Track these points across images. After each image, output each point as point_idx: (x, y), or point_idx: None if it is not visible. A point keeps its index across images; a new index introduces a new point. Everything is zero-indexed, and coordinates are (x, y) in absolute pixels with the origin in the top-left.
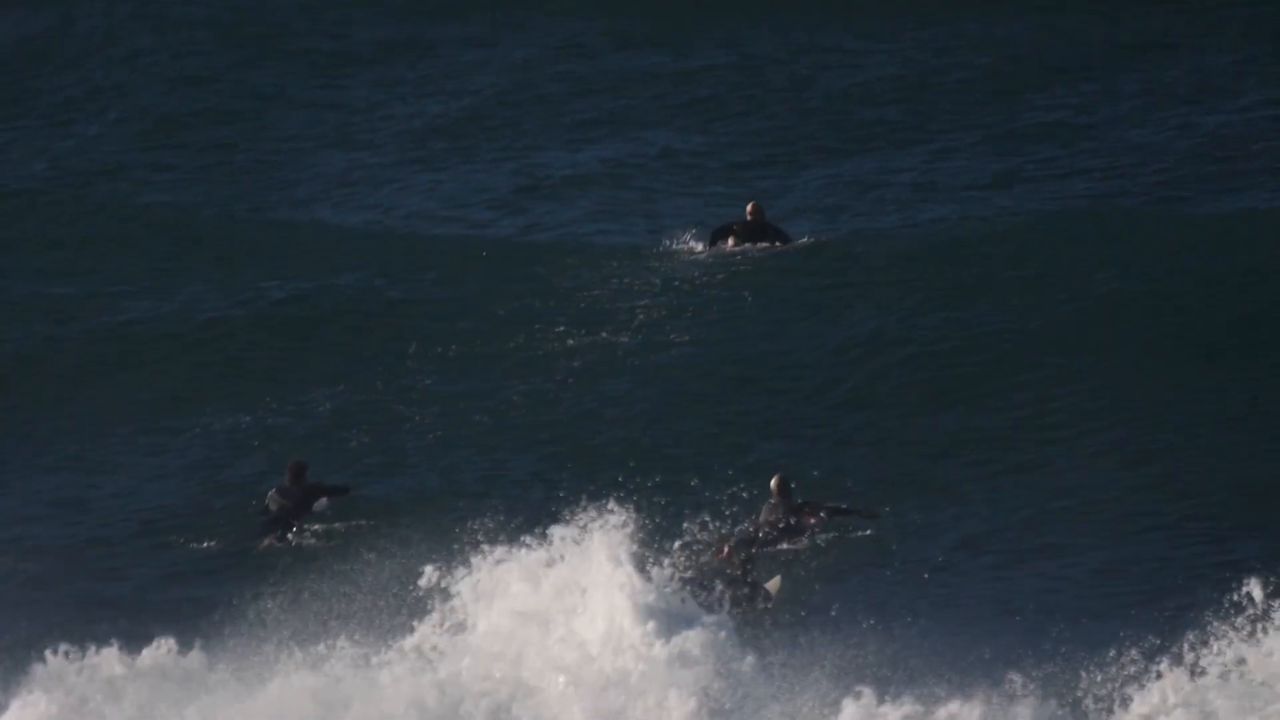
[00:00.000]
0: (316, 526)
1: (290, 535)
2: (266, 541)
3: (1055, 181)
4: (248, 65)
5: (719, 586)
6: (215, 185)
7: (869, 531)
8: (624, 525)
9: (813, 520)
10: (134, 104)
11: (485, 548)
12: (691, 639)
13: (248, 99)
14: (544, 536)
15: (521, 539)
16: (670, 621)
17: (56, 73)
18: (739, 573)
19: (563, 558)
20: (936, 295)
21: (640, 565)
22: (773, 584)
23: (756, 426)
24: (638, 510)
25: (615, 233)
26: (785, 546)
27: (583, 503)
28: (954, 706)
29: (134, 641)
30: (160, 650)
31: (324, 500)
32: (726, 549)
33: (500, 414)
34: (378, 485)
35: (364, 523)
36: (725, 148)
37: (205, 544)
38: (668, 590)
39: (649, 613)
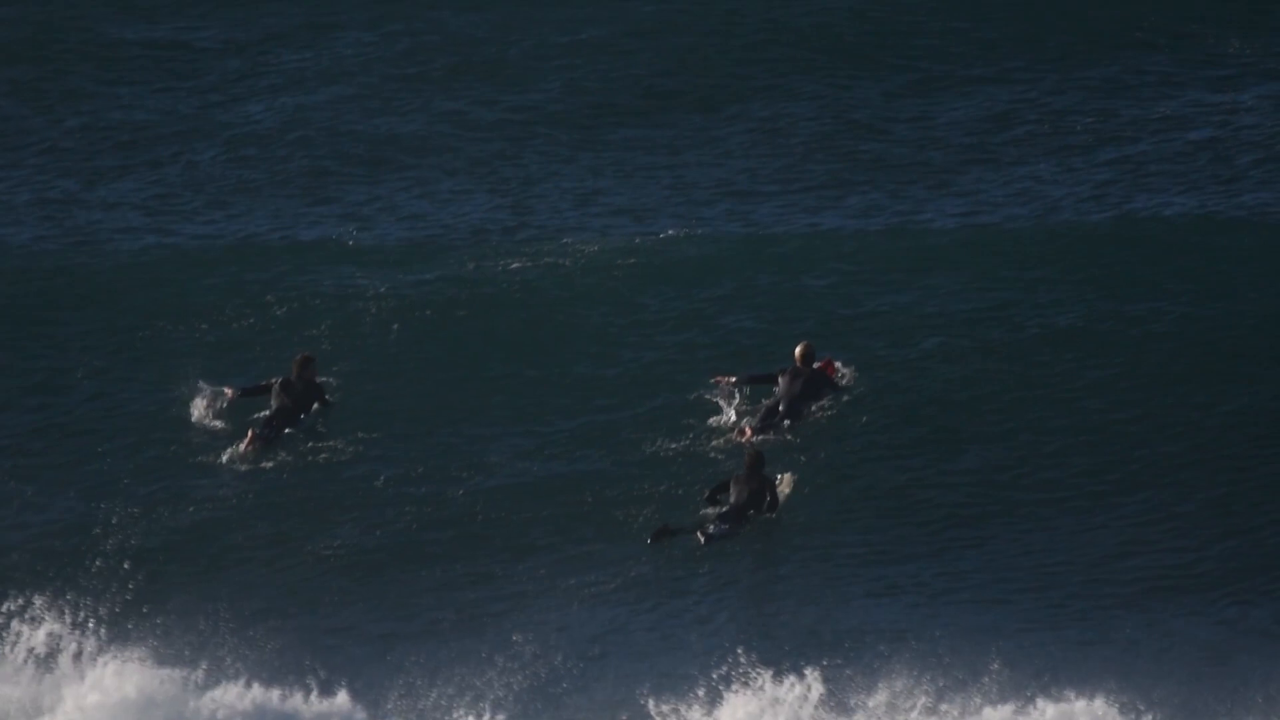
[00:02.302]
0: (312, 426)
1: (285, 432)
2: (250, 440)
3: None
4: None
5: (730, 488)
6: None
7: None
8: None
9: (833, 371)
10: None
11: None
12: None
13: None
14: None
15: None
16: None
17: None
18: (752, 464)
19: None
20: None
21: None
22: (785, 480)
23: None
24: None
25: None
26: (809, 413)
27: None
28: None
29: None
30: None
31: (317, 405)
32: (748, 428)
33: (474, 323)
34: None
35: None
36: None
37: (199, 456)
38: None
39: None
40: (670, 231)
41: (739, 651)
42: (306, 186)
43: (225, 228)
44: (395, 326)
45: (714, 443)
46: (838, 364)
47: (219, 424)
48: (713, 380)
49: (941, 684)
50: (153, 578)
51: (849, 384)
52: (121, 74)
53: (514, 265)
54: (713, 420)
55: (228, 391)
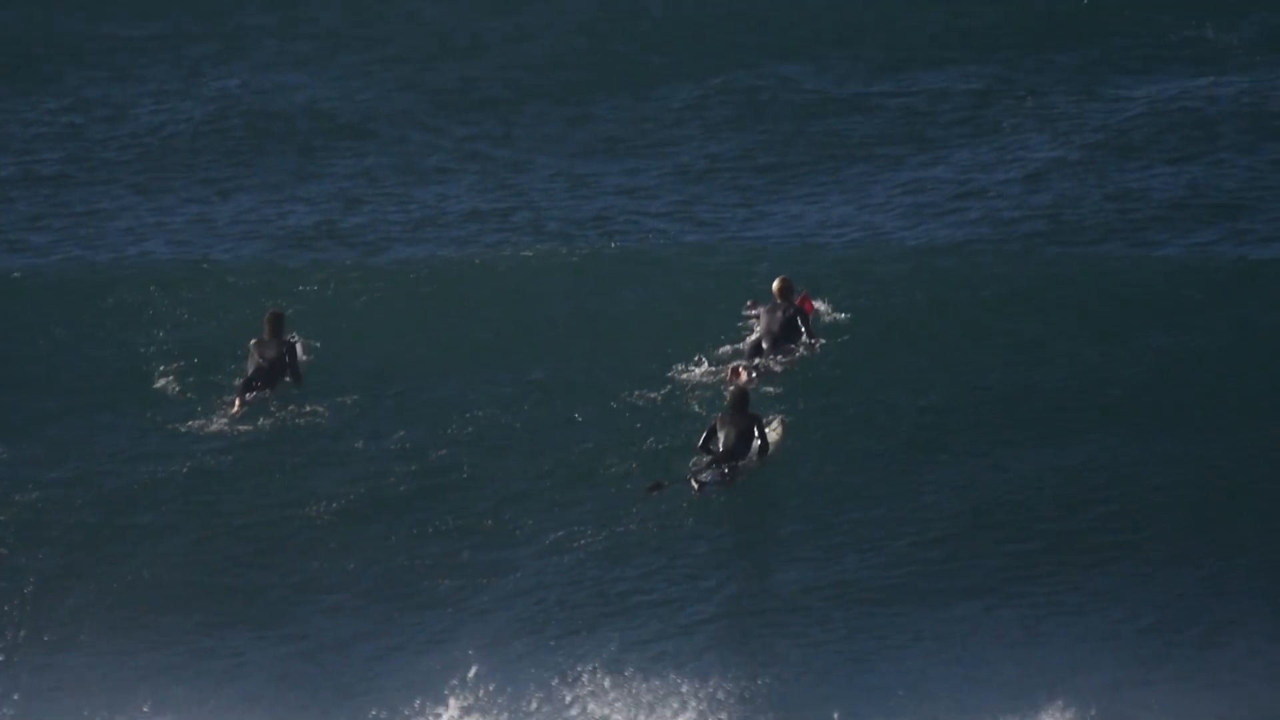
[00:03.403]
0: (292, 388)
1: (266, 393)
2: (238, 406)
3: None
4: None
5: (719, 431)
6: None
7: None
8: None
9: (810, 307)
10: None
11: None
12: None
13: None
14: None
15: None
16: None
17: None
18: (738, 401)
19: None
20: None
21: None
22: (775, 425)
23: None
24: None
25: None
26: (791, 348)
27: None
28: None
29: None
30: None
31: (301, 353)
32: (742, 369)
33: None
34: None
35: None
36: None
37: (176, 423)
38: None
39: None
40: (646, 203)
41: (728, 613)
42: (287, 165)
43: (210, 208)
44: (363, 299)
45: (696, 393)
46: (815, 302)
47: (187, 391)
48: (748, 306)
49: (927, 668)
50: (132, 540)
51: (827, 322)
52: (97, 62)
53: (489, 238)
54: (695, 371)
55: (237, 405)
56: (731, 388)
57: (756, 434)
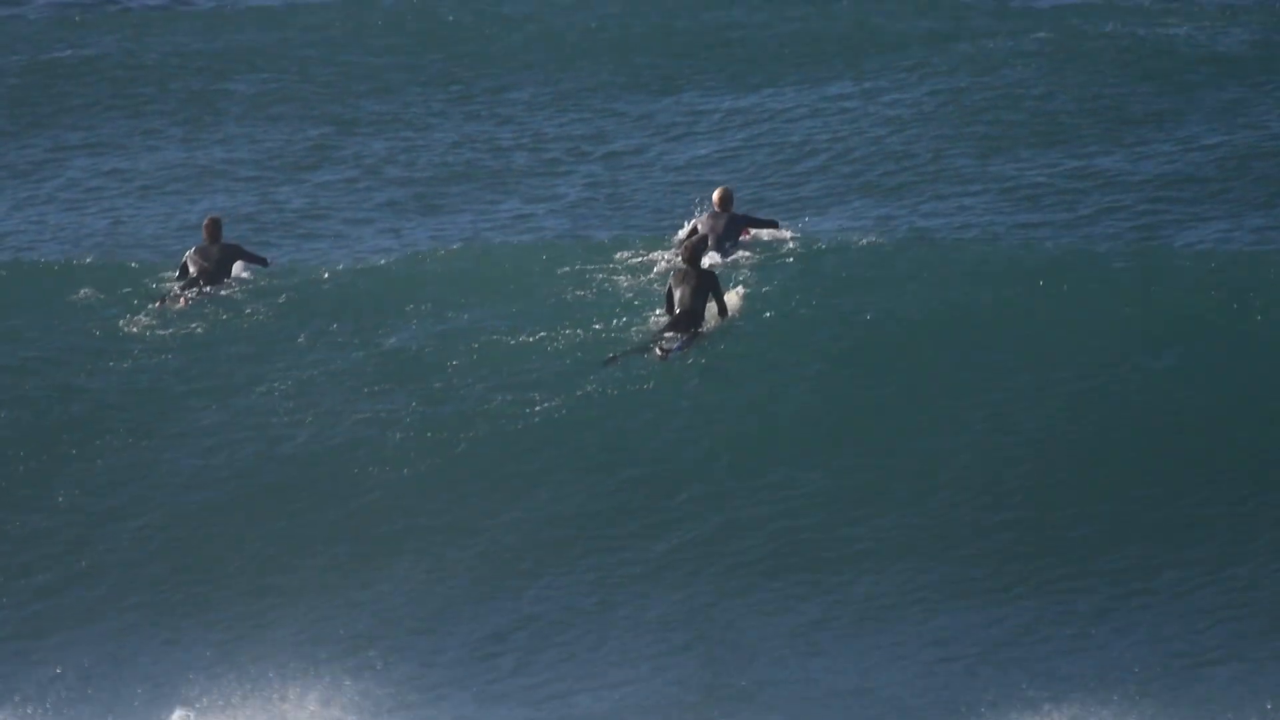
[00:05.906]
0: (235, 289)
1: (205, 293)
2: (181, 301)
3: None
4: None
5: (674, 291)
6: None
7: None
8: None
9: (748, 234)
10: None
11: None
12: None
13: None
14: None
15: None
16: None
17: None
18: (691, 253)
19: None
20: None
21: None
22: (734, 295)
23: None
24: None
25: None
26: (724, 257)
27: None
28: None
29: None
30: None
31: (240, 263)
32: (689, 242)
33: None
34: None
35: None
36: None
37: (126, 318)
38: None
39: None
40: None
41: (696, 484)
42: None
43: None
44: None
45: (640, 282)
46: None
47: (114, 298)
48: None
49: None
50: (68, 439)
51: (768, 221)
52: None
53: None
54: (635, 274)
55: (182, 300)
56: (686, 241)
57: (711, 291)
